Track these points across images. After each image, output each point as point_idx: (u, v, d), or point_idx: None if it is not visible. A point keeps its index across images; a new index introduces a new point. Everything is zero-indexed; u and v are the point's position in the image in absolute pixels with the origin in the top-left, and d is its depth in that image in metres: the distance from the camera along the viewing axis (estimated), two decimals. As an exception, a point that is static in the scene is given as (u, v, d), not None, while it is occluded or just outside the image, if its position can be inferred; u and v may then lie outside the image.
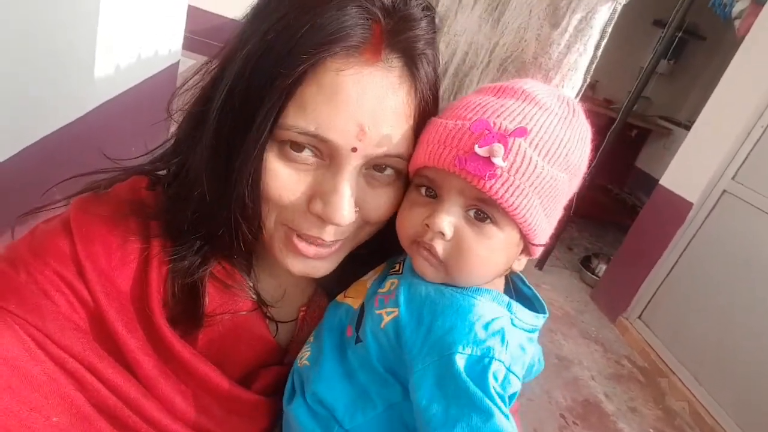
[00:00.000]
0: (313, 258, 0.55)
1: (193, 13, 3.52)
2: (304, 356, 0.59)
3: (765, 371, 2.31)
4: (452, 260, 0.50)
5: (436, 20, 0.55)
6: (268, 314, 0.61)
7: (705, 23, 4.43)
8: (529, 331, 0.54)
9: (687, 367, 2.68)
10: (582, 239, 4.42)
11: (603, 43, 0.87)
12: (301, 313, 0.66)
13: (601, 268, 3.61)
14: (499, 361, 0.46)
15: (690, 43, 4.73)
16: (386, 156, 0.51)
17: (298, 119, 0.48)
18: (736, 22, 2.89)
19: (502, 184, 0.46)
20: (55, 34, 1.51)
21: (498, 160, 0.45)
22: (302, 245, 0.54)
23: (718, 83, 2.88)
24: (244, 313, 0.59)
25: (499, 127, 0.47)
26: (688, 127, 3.30)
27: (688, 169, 2.97)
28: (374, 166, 0.53)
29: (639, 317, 3.06)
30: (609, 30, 0.86)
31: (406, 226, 0.54)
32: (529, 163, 0.47)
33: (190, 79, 0.58)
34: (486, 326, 0.48)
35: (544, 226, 0.51)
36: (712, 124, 2.89)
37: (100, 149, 0.69)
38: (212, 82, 0.55)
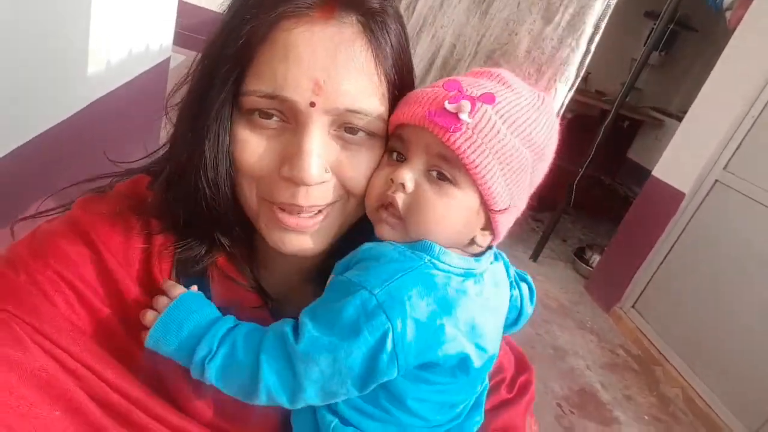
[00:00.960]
0: (295, 229, 0.54)
1: (184, 8, 3.49)
2: None
3: (755, 358, 2.35)
4: (411, 214, 0.53)
5: None
6: (272, 308, 0.61)
7: (696, 15, 4.45)
8: (464, 276, 0.53)
9: (680, 354, 2.72)
10: (576, 231, 4.45)
11: (597, 38, 0.88)
12: None
13: (595, 258, 3.65)
14: (371, 293, 0.47)
15: (681, 34, 4.75)
16: (350, 111, 0.51)
17: (257, 83, 0.49)
18: (728, 14, 2.91)
19: (465, 140, 0.49)
20: (47, 31, 1.50)
21: (464, 116, 0.49)
22: (283, 216, 0.53)
23: (709, 74, 2.91)
24: (250, 309, 0.59)
25: (469, 91, 0.51)
26: (680, 118, 3.33)
27: (680, 159, 2.99)
28: (346, 129, 0.53)
29: (633, 307, 3.10)
30: (602, 25, 0.88)
31: (373, 189, 0.55)
32: (493, 127, 0.50)
33: (184, 76, 0.58)
34: (380, 262, 0.51)
35: (502, 192, 0.52)
36: (704, 114, 2.91)
37: (101, 150, 0.68)
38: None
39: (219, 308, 0.56)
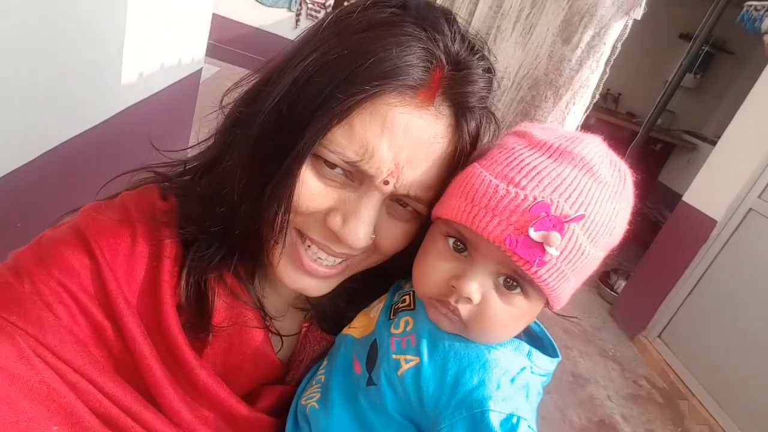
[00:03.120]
0: (308, 273, 0.55)
1: (217, 21, 3.60)
2: (314, 397, 0.57)
3: (791, 398, 2.22)
4: (475, 324, 0.49)
5: (494, 83, 0.55)
6: (272, 329, 0.61)
7: (733, 38, 4.34)
8: (544, 376, 0.53)
9: (708, 389, 2.60)
10: (601, 254, 4.33)
11: (613, 59, 0.86)
12: (304, 329, 0.65)
13: (620, 284, 3.54)
14: (525, 419, 0.46)
15: (717, 56, 4.64)
16: (410, 198, 0.52)
17: (346, 146, 0.49)
18: (766, 38, 2.82)
19: (549, 270, 0.44)
20: (83, 40, 1.56)
21: (552, 250, 0.43)
22: (304, 255, 0.54)
23: (746, 98, 2.81)
24: (250, 327, 0.58)
25: (557, 209, 0.44)
26: (714, 143, 3.22)
27: (713, 185, 2.89)
28: (398, 201, 0.54)
29: (659, 336, 2.98)
30: (619, 46, 0.86)
31: (430, 282, 0.51)
32: (578, 250, 0.45)
33: (242, 81, 0.58)
34: (512, 380, 0.48)
35: (570, 293, 0.50)
36: (739, 140, 2.82)
37: (130, 155, 0.69)
38: (258, 88, 0.55)
39: (218, 324, 0.56)
